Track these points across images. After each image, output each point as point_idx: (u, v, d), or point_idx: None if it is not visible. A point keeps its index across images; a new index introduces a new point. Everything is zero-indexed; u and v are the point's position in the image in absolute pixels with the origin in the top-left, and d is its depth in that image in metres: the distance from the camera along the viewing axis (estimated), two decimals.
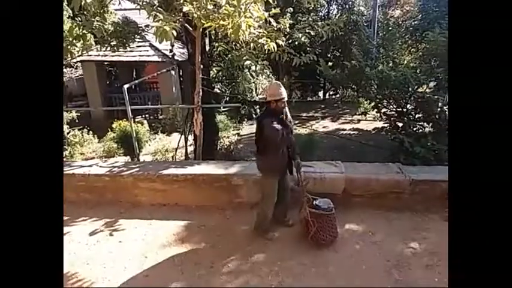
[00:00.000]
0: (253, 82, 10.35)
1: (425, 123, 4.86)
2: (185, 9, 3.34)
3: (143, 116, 11.21)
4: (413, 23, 12.81)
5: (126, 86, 4.94)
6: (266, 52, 4.27)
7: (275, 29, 4.12)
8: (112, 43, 5.00)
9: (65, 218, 3.62)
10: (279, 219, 3.38)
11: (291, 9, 11.04)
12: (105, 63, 11.62)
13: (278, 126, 2.85)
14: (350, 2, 13.57)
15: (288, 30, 4.44)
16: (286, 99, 2.98)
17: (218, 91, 9.81)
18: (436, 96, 4.61)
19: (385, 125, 5.24)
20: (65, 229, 3.49)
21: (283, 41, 4.13)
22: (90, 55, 9.97)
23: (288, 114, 3.07)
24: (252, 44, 4.17)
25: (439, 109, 4.64)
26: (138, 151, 5.45)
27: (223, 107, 10.02)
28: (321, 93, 15.34)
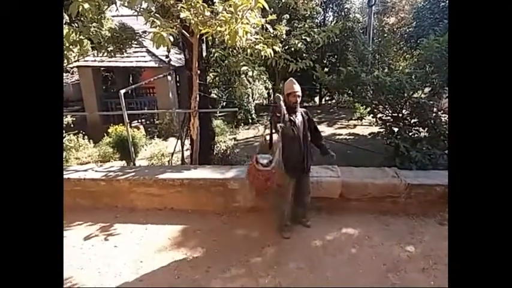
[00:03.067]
0: (250, 87, 10.42)
1: (420, 128, 4.90)
2: (182, 15, 3.36)
3: (139, 121, 11.21)
4: (408, 30, 13.02)
5: (122, 91, 4.94)
6: (263, 58, 4.30)
7: (272, 35, 4.16)
8: (109, 49, 5.01)
9: None
10: (298, 219, 3.45)
11: (287, 16, 11.15)
12: (102, 68, 11.63)
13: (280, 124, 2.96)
14: (346, 9, 13.74)
15: (284, 36, 4.48)
16: (299, 93, 3.15)
17: (215, 96, 9.84)
18: (431, 102, 4.66)
19: (381, 129, 5.26)
20: None
21: (279, 47, 4.17)
22: (87, 60, 10.02)
23: (299, 109, 3.27)
24: (249, 50, 4.21)
25: (434, 114, 4.69)
26: (134, 156, 5.43)
27: (220, 112, 10.05)
28: (317, 99, 15.46)
